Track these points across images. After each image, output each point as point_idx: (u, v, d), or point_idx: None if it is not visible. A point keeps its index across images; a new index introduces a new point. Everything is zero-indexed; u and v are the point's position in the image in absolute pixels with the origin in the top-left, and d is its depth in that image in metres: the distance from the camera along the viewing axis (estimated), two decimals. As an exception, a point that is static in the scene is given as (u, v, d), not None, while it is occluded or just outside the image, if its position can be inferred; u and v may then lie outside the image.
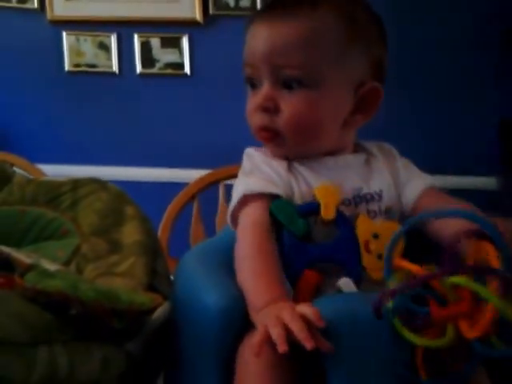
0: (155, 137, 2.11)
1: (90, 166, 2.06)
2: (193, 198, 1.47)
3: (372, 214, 0.71)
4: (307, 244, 0.67)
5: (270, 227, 0.67)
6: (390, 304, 0.53)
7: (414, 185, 0.75)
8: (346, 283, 0.65)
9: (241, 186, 0.71)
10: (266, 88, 0.69)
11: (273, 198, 0.69)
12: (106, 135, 2.12)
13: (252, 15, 0.73)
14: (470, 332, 0.50)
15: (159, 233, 1.37)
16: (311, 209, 0.68)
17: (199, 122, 2.09)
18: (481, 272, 0.52)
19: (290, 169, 0.72)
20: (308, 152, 0.73)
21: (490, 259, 0.52)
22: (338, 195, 0.68)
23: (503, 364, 0.60)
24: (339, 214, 0.67)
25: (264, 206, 0.68)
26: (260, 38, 0.69)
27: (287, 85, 0.68)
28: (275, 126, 0.70)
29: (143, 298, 0.62)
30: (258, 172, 0.72)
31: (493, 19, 1.94)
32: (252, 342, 0.54)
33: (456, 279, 0.51)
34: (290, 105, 0.68)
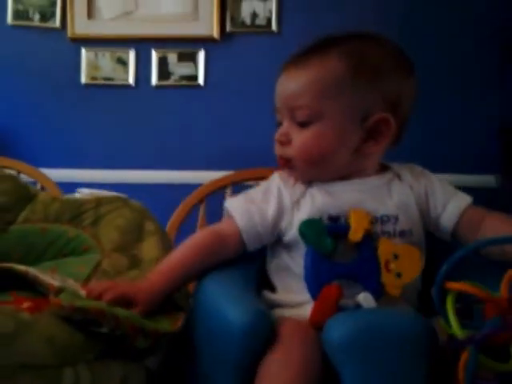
0: (168, 144, 2.15)
1: (108, 170, 2.12)
2: (201, 201, 1.49)
3: (386, 235, 0.76)
4: (332, 261, 0.72)
5: (224, 241, 0.79)
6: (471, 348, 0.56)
7: (454, 205, 0.81)
8: (365, 298, 0.69)
9: (231, 203, 0.83)
10: (284, 126, 0.82)
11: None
12: (120, 141, 2.16)
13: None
14: None
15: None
16: (340, 230, 0.74)
17: (211, 131, 2.14)
18: None
19: (300, 198, 0.80)
20: (320, 175, 0.81)
21: None
22: (369, 221, 0.74)
23: None
24: (365, 237, 0.73)
25: (233, 228, 0.80)
26: (280, 85, 0.83)
27: (301, 124, 0.80)
28: (287, 155, 0.82)
29: (165, 325, 0.66)
30: (261, 195, 0.83)
31: (495, 30, 1.99)
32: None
33: None
34: (298, 139, 0.80)
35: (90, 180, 1.94)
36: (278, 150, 0.83)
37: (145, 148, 2.15)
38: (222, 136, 2.10)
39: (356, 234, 0.73)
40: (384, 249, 0.72)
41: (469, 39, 2.03)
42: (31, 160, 1.76)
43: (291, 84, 0.81)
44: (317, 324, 0.66)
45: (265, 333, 0.63)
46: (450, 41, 2.04)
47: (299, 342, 0.64)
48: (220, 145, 2.10)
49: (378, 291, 0.70)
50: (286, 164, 0.82)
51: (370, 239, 0.73)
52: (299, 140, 0.80)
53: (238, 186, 1.45)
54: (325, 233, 0.73)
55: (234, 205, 0.82)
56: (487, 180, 2.00)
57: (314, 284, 0.71)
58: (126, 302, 0.67)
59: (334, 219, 0.76)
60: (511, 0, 1.97)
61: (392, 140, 0.82)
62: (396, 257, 0.71)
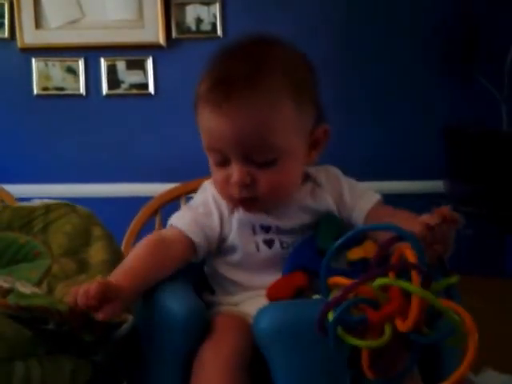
0: (122, 153, 2.17)
1: (61, 185, 2.13)
2: (155, 212, 1.50)
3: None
4: (318, 256, 0.71)
5: (171, 249, 0.76)
6: (330, 316, 0.59)
7: (360, 207, 0.82)
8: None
9: (175, 217, 0.81)
10: (240, 167, 0.74)
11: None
12: (74, 154, 2.18)
13: (200, 96, 0.78)
14: (404, 325, 0.56)
15: (123, 246, 1.40)
16: (346, 243, 0.69)
17: (162, 139, 2.17)
18: (401, 268, 0.60)
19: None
20: (280, 203, 0.80)
21: (409, 258, 0.59)
22: (372, 253, 0.71)
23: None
24: (360, 263, 0.73)
25: (179, 239, 0.78)
26: (224, 126, 0.72)
27: (260, 164, 0.74)
28: (252, 195, 0.75)
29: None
30: (202, 208, 0.81)
31: (435, 35, 2.07)
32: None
33: (382, 280, 0.59)
34: (266, 178, 0.74)
35: (42, 195, 1.93)
36: (240, 192, 0.75)
37: (98, 160, 2.16)
38: (176, 146, 2.13)
39: (353, 255, 0.74)
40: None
41: (409, 38, 2.09)
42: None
43: (243, 126, 0.71)
44: (271, 296, 0.70)
45: (201, 324, 0.68)
46: (389, 42, 2.10)
47: (231, 331, 0.68)
48: (173, 155, 2.12)
49: None
50: (251, 204, 0.77)
51: (361, 268, 0.72)
52: (268, 179, 0.74)
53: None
54: (334, 235, 0.73)
55: (180, 220, 0.80)
56: (435, 185, 2.03)
57: (290, 262, 0.74)
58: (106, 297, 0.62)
59: (265, 228, 0.79)
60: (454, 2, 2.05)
61: None
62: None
